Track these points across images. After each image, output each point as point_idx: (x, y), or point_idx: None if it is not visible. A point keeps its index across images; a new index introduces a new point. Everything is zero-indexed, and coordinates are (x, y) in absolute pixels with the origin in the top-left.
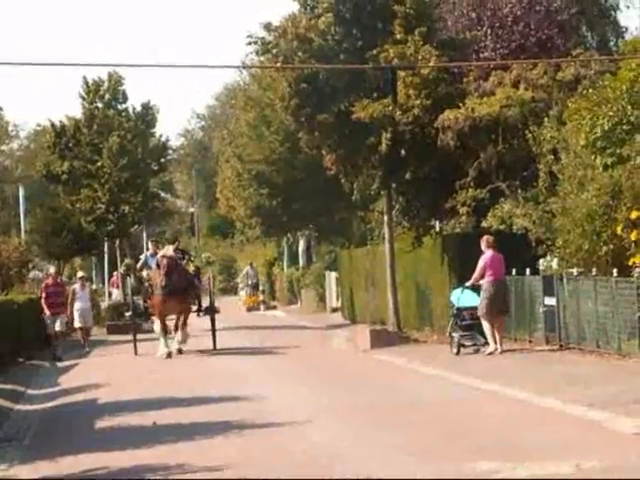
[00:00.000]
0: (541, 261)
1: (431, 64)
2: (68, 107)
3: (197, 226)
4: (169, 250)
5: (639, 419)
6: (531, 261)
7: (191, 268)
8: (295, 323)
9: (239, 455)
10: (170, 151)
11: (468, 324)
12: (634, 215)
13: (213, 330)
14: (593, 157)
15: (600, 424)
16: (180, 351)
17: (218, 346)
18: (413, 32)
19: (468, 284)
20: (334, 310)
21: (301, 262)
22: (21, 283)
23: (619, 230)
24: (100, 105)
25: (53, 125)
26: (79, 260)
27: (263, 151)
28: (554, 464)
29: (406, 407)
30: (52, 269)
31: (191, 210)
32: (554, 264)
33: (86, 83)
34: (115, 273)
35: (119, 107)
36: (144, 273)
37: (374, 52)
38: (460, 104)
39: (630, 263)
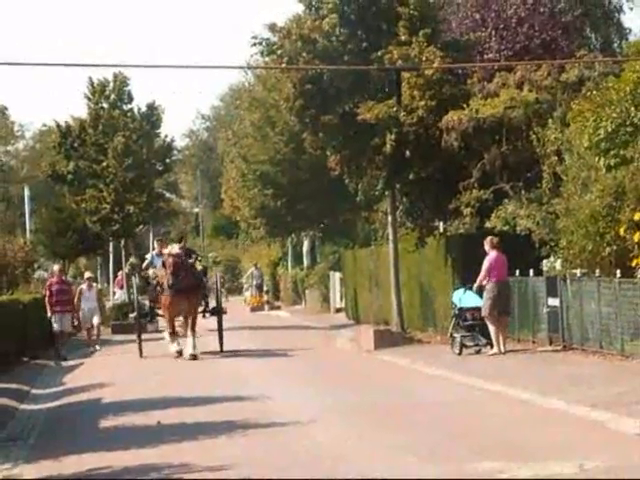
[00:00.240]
0: (544, 262)
1: (435, 65)
2: (73, 107)
3: (202, 226)
4: (174, 248)
5: None
6: (534, 262)
7: (199, 268)
8: (299, 323)
9: (243, 455)
10: (175, 151)
11: (470, 324)
12: (637, 216)
13: (220, 332)
14: (597, 158)
15: (603, 424)
16: (195, 357)
17: (214, 344)
18: (417, 33)
19: (475, 286)
20: (338, 310)
21: (305, 262)
22: (26, 283)
23: (622, 231)
24: (105, 105)
25: (58, 125)
26: (84, 260)
27: (268, 152)
28: (557, 464)
29: (410, 407)
30: (56, 267)
31: (196, 210)
32: (557, 265)
33: (91, 83)
34: (120, 273)
35: (124, 107)
36: (150, 272)
37: (378, 53)
38: (464, 105)
39: (633, 264)
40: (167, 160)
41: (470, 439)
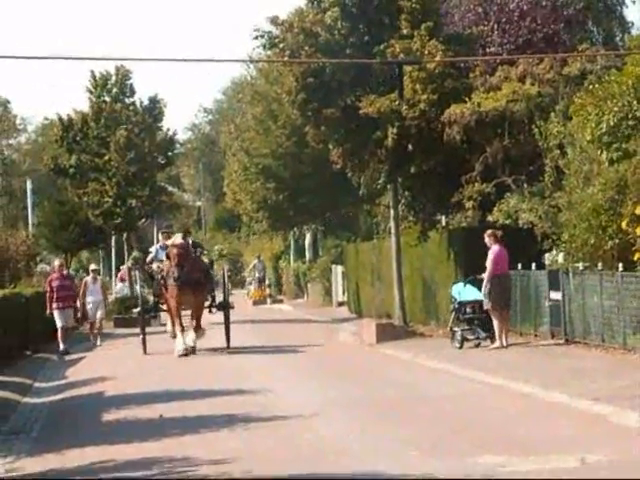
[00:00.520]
0: (547, 255)
1: (437, 59)
2: (76, 101)
3: (204, 220)
4: (177, 238)
5: None
6: (537, 255)
7: (205, 261)
8: (301, 317)
9: (245, 448)
10: (177, 145)
11: (470, 318)
12: (639, 210)
13: (227, 328)
14: (599, 152)
15: (605, 418)
16: (193, 350)
17: (221, 339)
18: (419, 27)
19: (485, 280)
20: (340, 304)
21: (307, 256)
22: (29, 276)
23: (625, 225)
24: (107, 99)
25: (61, 119)
26: (86, 253)
27: (270, 145)
28: (559, 458)
29: (412, 401)
30: (57, 262)
31: (198, 204)
32: (560, 258)
33: (94, 77)
34: (123, 267)
35: (126, 101)
36: (154, 266)
37: (380, 47)
38: (466, 99)
39: (635, 258)
40: (169, 153)
41: (472, 432)
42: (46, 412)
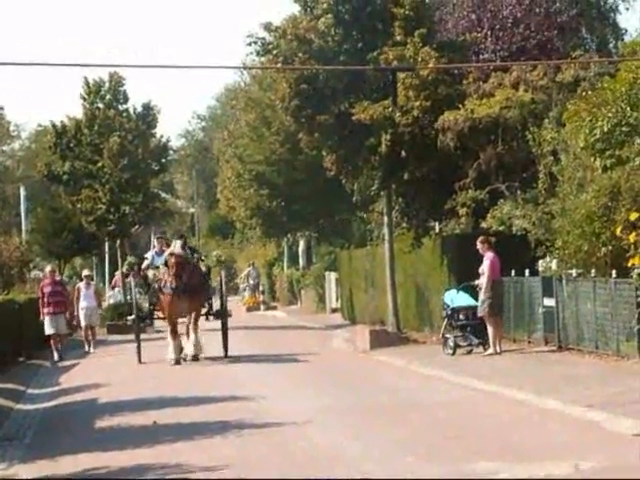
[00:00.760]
0: (540, 262)
1: (431, 66)
2: (69, 107)
3: (197, 226)
4: (177, 247)
5: (638, 420)
6: (530, 262)
7: (202, 268)
8: (295, 323)
9: (239, 455)
10: (171, 152)
11: (462, 324)
12: (633, 217)
13: (224, 336)
14: (592, 159)
15: (599, 425)
16: (196, 358)
17: (217, 347)
18: (413, 34)
19: (483, 287)
20: (334, 310)
21: (301, 263)
22: (22, 283)
23: (618, 231)
24: (101, 105)
25: (54, 125)
26: (80, 260)
27: (263, 152)
28: (553, 464)
29: (406, 408)
30: (48, 267)
31: (191, 210)
32: (553, 265)
33: (87, 83)
34: (117, 273)
35: (120, 107)
36: (150, 273)
37: (374, 54)
38: (460, 105)
39: (629, 264)
40: (163, 160)
41: (466, 439)
42: (39, 419)
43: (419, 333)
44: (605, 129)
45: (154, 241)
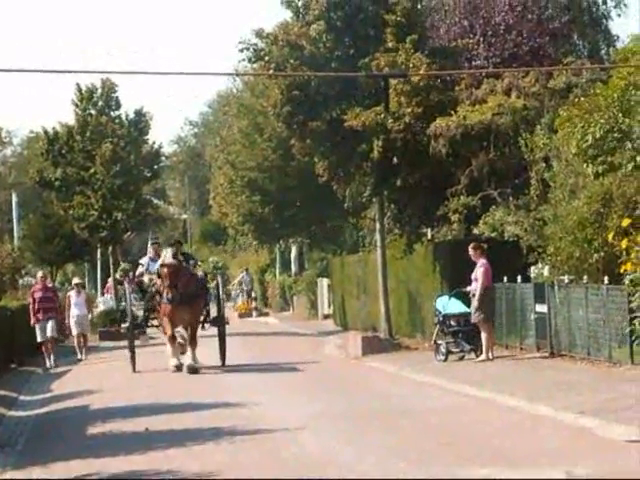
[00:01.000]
0: (532, 268)
1: (422, 72)
2: (61, 114)
3: (190, 233)
4: (167, 256)
5: (630, 426)
6: (522, 268)
7: (199, 274)
8: (287, 330)
9: (231, 461)
10: (163, 158)
11: (454, 330)
12: (625, 223)
13: (222, 344)
14: (584, 165)
15: (591, 431)
16: (195, 370)
17: (211, 354)
18: (405, 40)
19: (477, 294)
20: (326, 317)
21: (293, 269)
22: (14, 289)
23: (610, 238)
24: (93, 112)
25: (46, 132)
26: (72, 266)
27: (256, 158)
28: (545, 471)
29: (398, 414)
30: (39, 273)
31: (184, 217)
32: (545, 271)
33: (79, 90)
34: (110, 280)
35: (112, 114)
36: (145, 279)
37: (366, 60)
38: (452, 112)
39: (621, 271)
40: (155, 166)
41: (458, 445)
42: (31, 425)
43: (411, 339)
44: (597, 135)
45: (149, 247)
